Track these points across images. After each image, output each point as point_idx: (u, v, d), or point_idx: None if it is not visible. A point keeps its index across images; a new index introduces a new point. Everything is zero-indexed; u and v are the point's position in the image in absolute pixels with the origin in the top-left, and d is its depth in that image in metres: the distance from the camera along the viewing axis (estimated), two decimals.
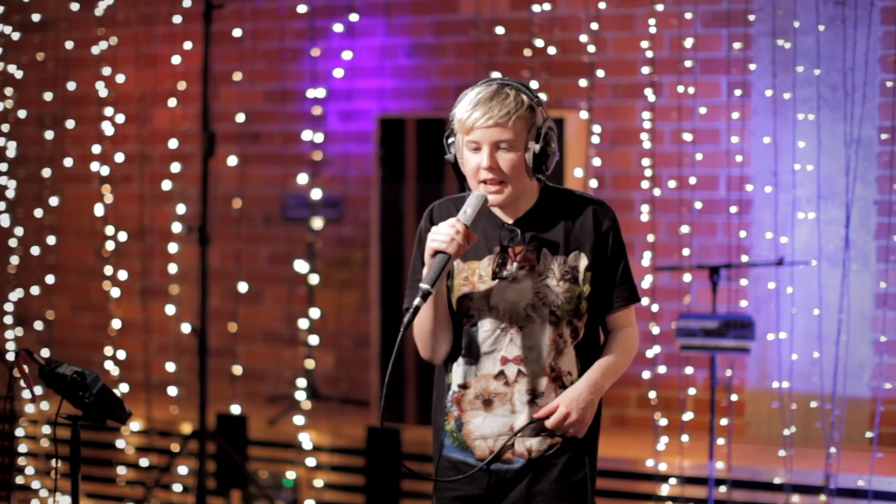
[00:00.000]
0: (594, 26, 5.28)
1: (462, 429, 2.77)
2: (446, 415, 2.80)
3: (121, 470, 5.76)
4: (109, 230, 6.07)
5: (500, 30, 5.60)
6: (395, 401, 5.51)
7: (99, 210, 6.09)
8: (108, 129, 6.09)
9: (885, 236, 5.11)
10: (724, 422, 5.08)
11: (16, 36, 6.37)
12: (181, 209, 5.93)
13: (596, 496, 2.83)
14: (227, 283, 6.15)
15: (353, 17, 5.90)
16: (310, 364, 5.91)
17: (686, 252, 5.29)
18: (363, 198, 5.96)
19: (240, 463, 5.36)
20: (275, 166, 6.16)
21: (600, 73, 5.35)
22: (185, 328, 5.36)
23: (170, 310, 5.95)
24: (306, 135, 5.98)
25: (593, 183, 5.42)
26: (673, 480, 4.90)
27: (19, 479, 5.94)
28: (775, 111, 5.14)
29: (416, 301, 2.62)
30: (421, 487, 5.25)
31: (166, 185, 6.04)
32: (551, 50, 5.44)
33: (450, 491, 2.79)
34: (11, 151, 6.33)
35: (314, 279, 5.94)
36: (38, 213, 6.24)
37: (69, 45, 6.37)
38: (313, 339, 5.91)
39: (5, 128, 6.29)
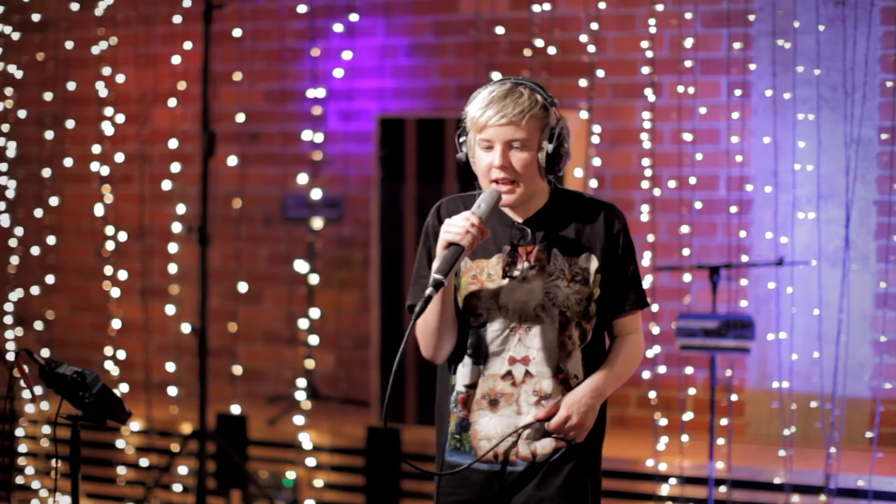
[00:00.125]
0: (594, 26, 5.28)
1: (468, 429, 2.74)
2: (448, 416, 2.77)
3: (121, 470, 5.76)
4: (109, 230, 6.07)
5: (500, 30, 5.60)
6: (396, 401, 5.51)
7: (99, 210, 6.09)
8: (108, 129, 6.09)
9: (885, 236, 5.11)
10: (724, 422, 5.08)
11: (16, 36, 6.37)
12: (181, 209, 5.93)
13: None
14: (227, 283, 6.15)
15: (353, 17, 5.90)
16: (310, 364, 5.91)
17: (686, 252, 5.29)
18: (363, 198, 5.96)
19: (240, 463, 5.36)
20: (275, 166, 6.16)
21: (600, 73, 5.35)
22: (185, 328, 5.36)
23: (170, 310, 5.95)
24: (306, 135, 5.98)
25: (593, 183, 5.42)
26: (673, 480, 4.90)
27: (19, 479, 5.94)
28: (775, 111, 5.14)
29: (429, 291, 2.57)
30: (421, 487, 5.25)
31: (166, 185, 6.04)
32: (551, 50, 5.43)
33: (451, 496, 2.76)
34: (11, 151, 6.33)
35: (314, 279, 5.94)
36: (38, 213, 6.24)
37: (69, 45, 6.37)
38: (313, 339, 5.91)
39: (5, 128, 6.29)
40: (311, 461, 5.48)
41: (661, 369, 5.23)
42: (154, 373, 6.03)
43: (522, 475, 2.72)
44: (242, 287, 6.00)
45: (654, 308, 5.27)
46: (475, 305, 2.71)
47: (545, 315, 2.69)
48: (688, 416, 5.14)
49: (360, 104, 6.04)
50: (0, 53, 6.33)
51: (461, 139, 2.76)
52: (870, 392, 5.13)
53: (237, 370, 5.93)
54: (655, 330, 5.23)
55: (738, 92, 5.24)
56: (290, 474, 5.49)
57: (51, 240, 6.20)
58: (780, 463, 4.83)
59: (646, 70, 5.36)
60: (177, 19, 6.03)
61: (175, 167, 5.98)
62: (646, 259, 5.24)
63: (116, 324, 6.07)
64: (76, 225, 6.55)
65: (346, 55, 5.94)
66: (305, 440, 5.47)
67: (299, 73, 6.15)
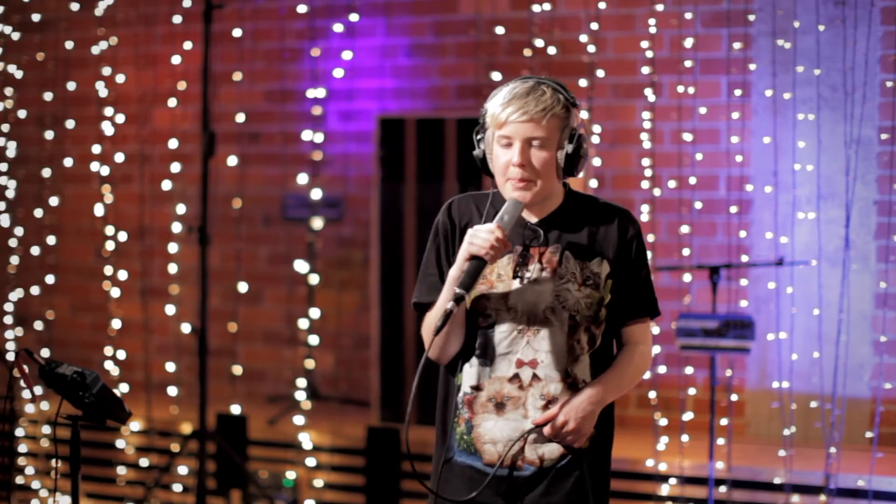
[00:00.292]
0: (594, 26, 5.28)
1: (471, 432, 2.70)
2: (456, 417, 2.72)
3: (121, 470, 5.76)
4: (109, 230, 6.07)
5: (500, 30, 5.60)
6: (395, 401, 5.52)
7: (99, 210, 6.09)
8: (108, 129, 6.09)
9: (885, 236, 5.11)
10: (724, 422, 5.08)
11: (16, 36, 6.37)
12: (181, 209, 5.92)
13: None
14: (227, 283, 6.15)
15: (353, 17, 5.90)
16: (310, 364, 5.91)
17: (686, 252, 5.29)
18: (363, 198, 5.96)
19: (240, 463, 5.36)
20: (275, 166, 6.16)
21: (600, 73, 5.35)
22: (185, 328, 5.35)
23: (170, 310, 5.95)
24: (306, 135, 5.98)
25: (593, 183, 5.42)
26: (673, 480, 4.90)
27: (19, 479, 5.94)
28: (775, 111, 5.14)
29: (450, 305, 2.56)
30: (421, 487, 5.25)
31: (166, 185, 6.04)
32: (551, 50, 5.43)
33: (455, 495, 2.71)
34: (11, 151, 6.33)
35: (314, 279, 5.94)
36: (38, 213, 6.24)
37: (69, 45, 6.37)
38: (313, 339, 5.90)
39: (5, 128, 6.29)
40: (311, 461, 5.48)
41: (661, 369, 5.23)
42: (154, 373, 6.03)
43: (529, 480, 2.68)
44: (242, 287, 6.00)
45: None
46: (484, 306, 2.68)
47: (554, 318, 2.66)
48: (688, 416, 5.14)
49: (360, 104, 6.04)
50: (0, 53, 6.33)
51: (479, 136, 2.72)
52: (870, 392, 5.13)
53: (237, 370, 5.93)
54: (655, 330, 5.23)
55: (738, 92, 5.24)
56: (290, 474, 5.49)
57: (51, 240, 6.20)
58: (780, 463, 4.83)
59: (646, 70, 5.36)
60: (177, 19, 6.03)
61: (175, 167, 5.98)
62: None
63: (116, 324, 6.07)
64: (76, 225, 6.55)
65: (346, 55, 5.94)
66: (305, 440, 5.47)
67: (299, 73, 6.15)
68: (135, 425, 5.76)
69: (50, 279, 6.19)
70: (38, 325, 6.27)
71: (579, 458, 2.69)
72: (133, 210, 6.21)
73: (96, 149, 6.12)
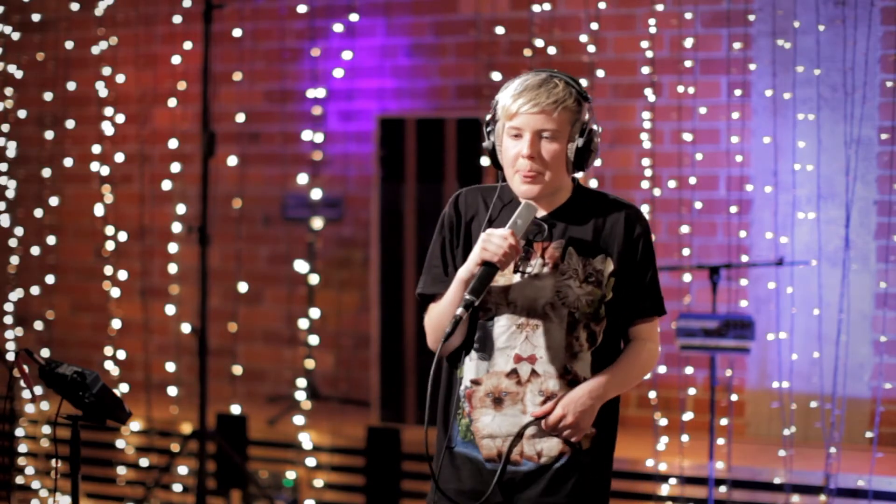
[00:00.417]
0: (594, 26, 5.28)
1: (470, 426, 2.68)
2: (459, 409, 2.70)
3: (121, 470, 5.76)
4: (109, 230, 6.07)
5: (500, 30, 5.60)
6: (395, 401, 5.52)
7: (99, 210, 6.09)
8: (108, 129, 6.09)
9: (885, 236, 5.11)
10: (724, 422, 5.08)
11: (16, 36, 6.37)
12: (181, 209, 5.93)
13: None
14: (227, 283, 6.15)
15: (353, 17, 5.90)
16: (310, 364, 5.91)
17: (686, 252, 5.29)
18: (363, 198, 5.96)
19: (240, 463, 5.36)
20: (275, 166, 6.16)
21: (600, 73, 5.35)
22: (185, 328, 5.35)
23: (170, 310, 5.95)
24: (306, 135, 5.98)
25: (593, 183, 5.42)
26: (673, 480, 4.90)
27: (19, 479, 5.94)
28: (775, 111, 5.14)
29: (459, 311, 2.55)
30: (421, 487, 5.25)
31: (166, 185, 6.04)
32: (551, 50, 5.43)
33: (450, 483, 2.70)
34: (11, 151, 6.33)
35: (314, 279, 5.94)
36: (38, 213, 6.24)
37: (69, 45, 6.37)
38: (313, 339, 5.90)
39: (5, 128, 6.29)
40: (311, 461, 5.48)
41: (661, 369, 5.23)
42: (154, 373, 6.03)
43: (527, 476, 2.66)
44: (242, 287, 6.00)
45: None
46: (485, 299, 2.65)
47: (553, 314, 2.64)
48: (688, 416, 5.14)
49: (360, 104, 6.04)
50: (0, 53, 6.33)
51: (489, 127, 2.71)
52: (870, 392, 5.13)
53: (237, 370, 5.93)
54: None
55: (738, 92, 5.24)
56: (290, 474, 5.49)
57: (51, 240, 6.20)
58: (780, 463, 4.83)
59: (646, 70, 5.36)
60: (177, 19, 6.03)
61: (175, 167, 5.98)
62: None
63: (116, 324, 6.07)
64: (76, 225, 6.55)
65: (346, 55, 5.94)
66: (305, 440, 5.47)
67: (299, 73, 6.15)
68: (135, 425, 5.76)
69: (50, 279, 6.19)
70: (38, 325, 6.27)
71: (579, 458, 2.67)
72: (133, 210, 6.21)
73: (96, 149, 6.12)
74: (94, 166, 6.15)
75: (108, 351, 6.02)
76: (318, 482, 5.47)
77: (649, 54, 5.23)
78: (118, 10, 6.19)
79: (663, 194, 5.37)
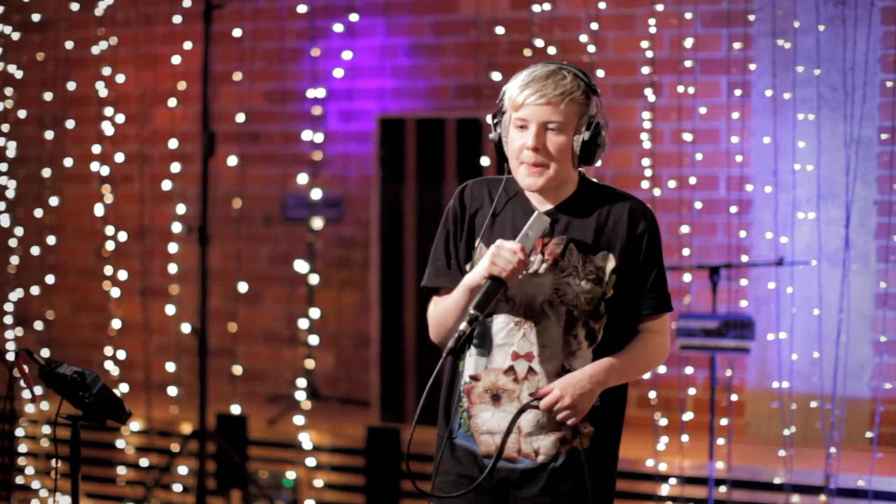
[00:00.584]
0: (594, 26, 5.28)
1: (471, 420, 2.67)
2: (458, 402, 2.69)
3: (121, 470, 5.76)
4: (109, 230, 6.07)
5: (500, 30, 5.60)
6: (395, 401, 5.52)
7: (99, 210, 6.09)
8: (108, 129, 6.09)
9: (885, 236, 5.11)
10: (724, 422, 5.08)
11: (16, 36, 6.37)
12: (181, 209, 5.93)
13: None
14: (227, 283, 6.15)
15: (353, 17, 5.91)
16: (310, 364, 5.91)
17: (686, 252, 5.29)
18: (363, 198, 5.96)
19: (240, 463, 5.36)
20: (275, 166, 6.16)
21: (600, 73, 5.35)
22: (185, 328, 5.36)
23: (170, 310, 5.95)
24: (306, 135, 5.98)
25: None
26: (673, 480, 4.90)
27: (19, 479, 5.94)
28: (775, 111, 5.14)
29: (462, 326, 2.54)
30: (421, 487, 5.24)
31: (166, 185, 6.04)
32: (551, 50, 5.43)
33: (450, 475, 2.70)
34: (11, 151, 6.33)
35: (314, 279, 5.94)
36: (38, 213, 6.24)
37: (69, 45, 6.37)
38: (313, 339, 5.91)
39: (5, 128, 6.29)
40: (311, 461, 5.48)
41: (661, 369, 5.23)
42: (154, 373, 6.03)
43: (524, 474, 2.65)
44: (242, 287, 6.00)
45: None
46: None
47: (552, 312, 2.62)
48: (688, 416, 5.14)
49: (360, 104, 6.04)
50: (0, 53, 6.34)
51: (496, 119, 2.68)
52: (870, 392, 5.13)
53: (237, 370, 5.93)
54: None
55: (738, 92, 5.24)
56: (290, 474, 5.49)
57: (51, 240, 6.20)
58: (780, 463, 4.83)
59: (646, 70, 5.36)
60: (177, 19, 6.03)
61: (175, 167, 5.98)
62: None
63: (116, 324, 6.07)
64: (76, 225, 6.55)
65: (346, 55, 5.94)
66: (305, 440, 5.47)
67: (299, 73, 6.15)
68: (135, 425, 5.76)
69: (50, 279, 6.19)
70: (38, 325, 6.27)
71: (577, 458, 2.65)
72: (133, 210, 6.21)
73: (96, 149, 6.12)
74: (94, 166, 6.15)
75: (108, 351, 6.02)
76: (318, 482, 5.47)
77: (649, 54, 5.23)
78: (118, 10, 6.19)
79: (663, 194, 5.37)
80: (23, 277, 6.25)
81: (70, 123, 6.39)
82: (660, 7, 5.28)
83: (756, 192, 5.32)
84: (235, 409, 5.64)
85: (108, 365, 5.99)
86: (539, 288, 2.63)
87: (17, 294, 6.26)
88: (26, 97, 6.42)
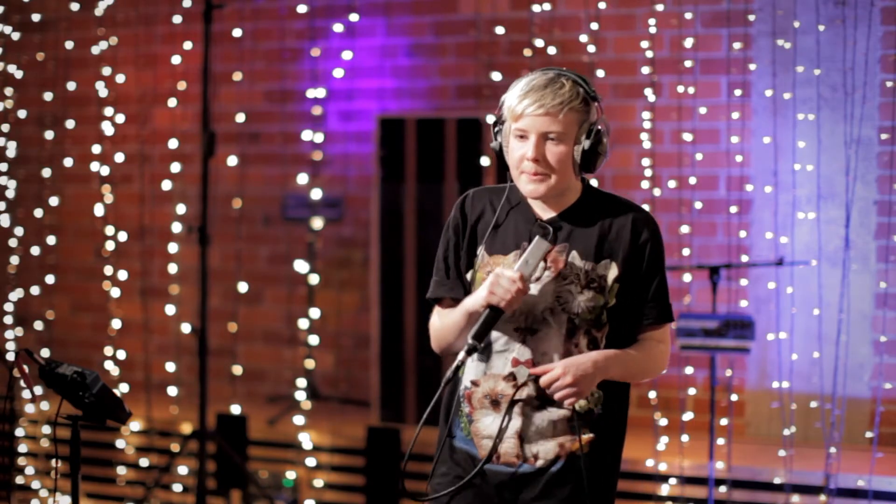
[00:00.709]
0: (594, 26, 5.28)
1: (471, 425, 2.67)
2: (459, 406, 2.69)
3: (121, 470, 5.76)
4: (109, 230, 6.07)
5: (500, 30, 5.60)
6: (395, 401, 5.52)
7: (99, 210, 6.10)
8: (108, 129, 6.09)
9: (885, 236, 5.11)
10: (724, 422, 5.08)
11: (16, 36, 6.37)
12: (181, 209, 5.93)
13: None
14: (227, 283, 6.15)
15: (353, 17, 5.90)
16: (310, 364, 5.91)
17: (686, 252, 5.29)
18: (363, 198, 5.96)
19: (240, 463, 5.36)
20: (275, 166, 6.16)
21: (600, 73, 5.35)
22: (185, 328, 5.36)
23: (170, 310, 5.95)
24: (306, 135, 5.98)
25: (593, 183, 5.41)
26: (673, 480, 4.90)
27: (19, 479, 5.94)
28: (775, 111, 5.14)
29: (461, 356, 2.55)
30: (421, 488, 5.24)
31: (166, 185, 6.04)
32: (551, 50, 5.43)
33: (449, 476, 2.71)
34: (11, 151, 6.33)
35: (314, 279, 5.94)
36: (38, 213, 6.24)
37: (69, 45, 6.37)
38: (313, 339, 5.91)
39: (5, 128, 6.29)
40: (311, 461, 5.48)
41: None
42: (154, 373, 6.03)
43: (522, 478, 2.64)
44: (242, 287, 6.00)
45: None
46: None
47: (552, 320, 2.61)
48: (688, 416, 5.14)
49: (360, 104, 6.04)
50: (0, 53, 6.33)
51: (496, 127, 2.67)
52: (870, 392, 5.13)
53: (237, 370, 5.93)
54: None
55: (738, 92, 5.24)
56: (290, 474, 5.49)
57: (51, 240, 6.20)
58: (780, 463, 4.83)
59: (646, 70, 5.36)
60: (177, 19, 6.03)
61: (175, 167, 5.98)
62: None
63: (116, 324, 6.07)
64: (76, 225, 6.55)
65: (346, 55, 5.94)
66: (305, 440, 5.47)
67: (299, 73, 6.15)
68: (135, 425, 5.76)
69: (50, 279, 6.19)
70: (38, 325, 6.27)
71: (577, 464, 2.64)
72: (133, 210, 6.21)
73: (96, 149, 6.12)
74: (94, 166, 6.15)
75: (108, 351, 6.02)
76: (318, 482, 5.47)
77: (649, 54, 5.23)
78: (118, 10, 6.19)
79: (663, 194, 5.37)
80: (23, 277, 6.25)
81: (70, 123, 6.39)
82: (660, 7, 5.28)
83: (756, 192, 5.32)
84: (235, 409, 5.64)
85: (108, 365, 5.99)
86: (540, 296, 2.61)
87: (17, 294, 6.26)
88: (26, 97, 6.42)
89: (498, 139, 2.68)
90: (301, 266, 5.94)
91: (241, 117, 5.99)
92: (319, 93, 5.96)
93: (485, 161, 5.27)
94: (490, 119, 5.20)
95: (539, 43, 5.43)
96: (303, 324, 5.90)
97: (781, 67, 5.13)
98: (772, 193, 5.20)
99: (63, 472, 5.34)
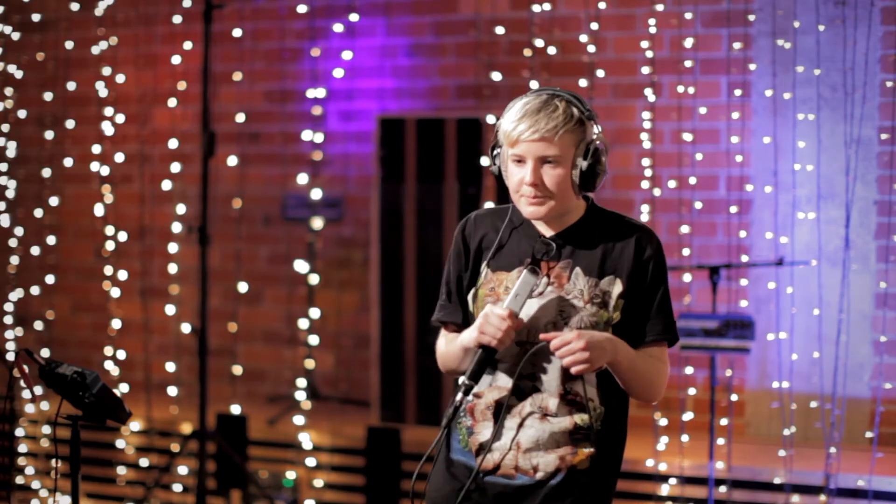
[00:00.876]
0: (594, 26, 5.28)
1: (471, 436, 2.67)
2: (459, 418, 2.69)
3: (121, 470, 5.76)
4: (109, 230, 6.07)
5: (500, 30, 5.60)
6: (395, 401, 5.52)
7: (99, 210, 6.09)
8: (108, 129, 6.09)
9: (885, 236, 5.11)
10: (724, 422, 5.08)
11: (16, 36, 6.37)
12: (181, 209, 5.93)
13: None
14: (227, 283, 6.15)
15: (353, 17, 5.91)
16: (310, 364, 5.91)
17: (686, 252, 5.29)
18: (363, 198, 5.97)
19: (240, 463, 5.36)
20: (275, 166, 6.16)
21: (600, 73, 5.35)
22: (185, 328, 5.36)
23: (170, 310, 5.95)
24: (306, 135, 5.98)
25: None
26: (673, 480, 4.90)
27: (19, 479, 5.94)
28: (775, 111, 5.14)
29: (458, 397, 2.56)
30: (421, 488, 5.24)
31: (166, 185, 6.04)
32: (551, 50, 5.43)
33: (445, 488, 2.70)
34: (11, 151, 6.33)
35: (314, 279, 5.94)
36: (38, 213, 6.24)
37: (69, 45, 6.37)
38: (313, 339, 5.91)
39: (5, 128, 6.29)
40: (311, 461, 5.48)
41: None
42: (154, 373, 6.03)
43: (520, 490, 2.64)
44: (242, 287, 6.00)
45: None
46: None
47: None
48: (688, 416, 5.14)
49: (360, 104, 6.04)
50: (0, 53, 6.33)
51: (494, 152, 2.67)
52: (870, 392, 5.13)
53: (237, 370, 5.93)
54: None
55: (738, 92, 5.24)
56: (290, 474, 5.50)
57: (51, 240, 6.20)
58: (780, 463, 4.83)
59: (646, 70, 5.36)
60: (177, 19, 6.03)
61: (175, 167, 5.98)
62: None
63: (116, 324, 6.07)
64: (76, 225, 6.55)
65: (346, 55, 5.94)
66: (305, 440, 5.47)
67: (299, 73, 6.15)
68: (135, 425, 5.76)
69: (50, 279, 6.19)
70: (38, 325, 6.27)
71: (576, 478, 2.63)
72: (133, 210, 6.21)
73: (96, 149, 6.12)
74: (94, 166, 6.15)
75: (108, 351, 6.02)
76: (318, 482, 5.47)
77: (649, 54, 5.23)
78: (118, 10, 6.19)
79: (663, 194, 5.37)
80: (23, 277, 6.25)
81: (70, 123, 6.39)
82: (660, 7, 5.28)
83: (756, 192, 5.32)
84: (235, 409, 5.64)
85: (108, 365, 5.99)
86: (544, 310, 2.61)
87: (17, 294, 6.26)
88: (26, 97, 6.42)
89: (496, 163, 2.67)
90: (301, 266, 5.94)
91: (241, 117, 5.99)
92: (319, 93, 5.96)
93: (485, 161, 5.27)
94: (490, 119, 5.20)
95: (539, 43, 5.43)
96: (303, 324, 5.90)
97: (781, 67, 5.13)
98: (772, 193, 5.20)
99: (63, 472, 5.34)
